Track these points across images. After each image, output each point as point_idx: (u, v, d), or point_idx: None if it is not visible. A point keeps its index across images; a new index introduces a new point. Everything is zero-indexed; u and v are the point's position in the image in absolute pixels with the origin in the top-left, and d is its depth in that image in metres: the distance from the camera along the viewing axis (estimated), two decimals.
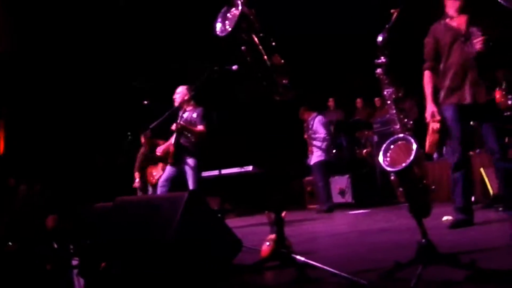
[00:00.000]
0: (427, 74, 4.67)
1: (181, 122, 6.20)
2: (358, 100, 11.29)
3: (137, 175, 8.54)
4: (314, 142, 8.97)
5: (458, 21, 4.49)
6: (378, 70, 2.63)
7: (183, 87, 6.47)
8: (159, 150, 6.56)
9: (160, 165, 8.16)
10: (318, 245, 4.48)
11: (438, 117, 4.53)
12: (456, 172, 4.53)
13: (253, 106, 5.23)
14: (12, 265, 3.91)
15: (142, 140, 8.51)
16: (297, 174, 10.05)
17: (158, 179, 7.90)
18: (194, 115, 6.37)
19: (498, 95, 7.12)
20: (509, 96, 6.85)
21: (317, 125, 8.96)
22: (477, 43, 4.34)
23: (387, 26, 2.64)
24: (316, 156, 8.94)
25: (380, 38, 2.60)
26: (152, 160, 8.30)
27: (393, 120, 2.55)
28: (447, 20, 4.57)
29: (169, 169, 6.40)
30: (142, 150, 8.55)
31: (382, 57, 2.60)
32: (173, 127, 6.24)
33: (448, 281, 2.36)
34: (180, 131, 6.25)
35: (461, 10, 4.46)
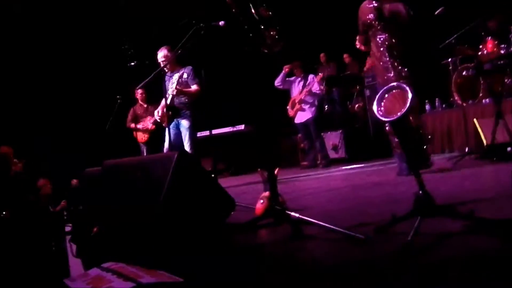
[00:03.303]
0: None
1: (177, 87, 6.08)
2: (345, 55, 11.08)
3: (133, 125, 8.33)
4: (307, 99, 8.91)
5: None
6: (370, 16, 2.50)
7: (165, 48, 6.31)
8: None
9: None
10: (312, 201, 4.43)
11: None
12: None
13: (241, 61, 5.10)
14: (7, 232, 3.86)
15: (139, 95, 8.34)
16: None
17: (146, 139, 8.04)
18: (185, 75, 6.23)
19: (490, 44, 7.05)
20: (502, 46, 6.78)
21: (314, 82, 8.93)
22: None
23: None
24: (310, 112, 8.92)
25: None
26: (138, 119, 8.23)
27: (386, 68, 2.44)
28: None
29: (170, 132, 6.26)
30: (138, 105, 8.39)
31: (374, 1, 2.47)
32: (173, 92, 6.10)
33: (446, 233, 2.30)
34: (177, 95, 6.14)
35: None
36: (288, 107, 9.15)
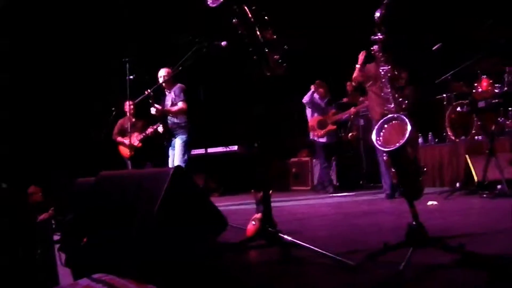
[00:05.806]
0: None
1: (159, 107, 6.16)
2: (348, 83, 11.11)
3: (120, 139, 8.12)
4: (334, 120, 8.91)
5: None
6: (374, 47, 2.55)
7: (166, 68, 6.34)
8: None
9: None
10: (303, 226, 4.44)
11: None
12: None
13: (242, 82, 5.14)
14: None
15: (128, 108, 8.06)
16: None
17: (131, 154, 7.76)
18: (173, 95, 6.28)
19: (485, 82, 7.16)
20: (496, 85, 6.90)
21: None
22: None
23: (385, 2, 2.56)
24: (334, 136, 9.00)
25: (377, 14, 2.52)
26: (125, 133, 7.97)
27: (387, 99, 2.48)
28: None
29: (171, 153, 6.36)
30: (126, 118, 8.14)
31: (379, 34, 2.52)
32: (153, 111, 6.17)
33: (436, 265, 2.33)
34: (161, 115, 6.19)
35: None
36: (313, 125, 9.04)
